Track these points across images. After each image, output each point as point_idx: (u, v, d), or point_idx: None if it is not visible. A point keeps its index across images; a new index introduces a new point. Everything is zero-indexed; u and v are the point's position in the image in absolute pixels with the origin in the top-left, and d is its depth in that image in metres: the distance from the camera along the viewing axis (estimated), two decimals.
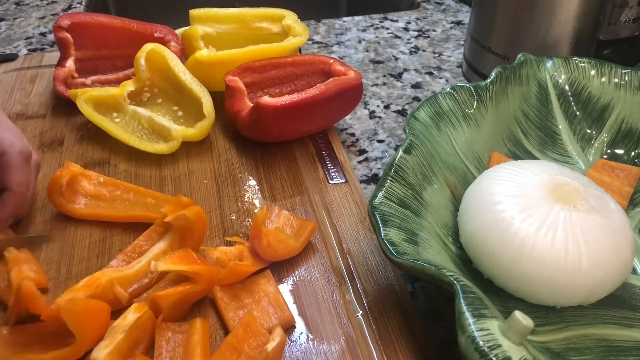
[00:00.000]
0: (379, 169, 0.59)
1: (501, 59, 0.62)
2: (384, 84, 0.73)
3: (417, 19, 0.90)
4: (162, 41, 0.64)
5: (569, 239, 0.39)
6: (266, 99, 0.53)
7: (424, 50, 0.81)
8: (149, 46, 0.59)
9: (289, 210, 0.51)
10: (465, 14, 0.92)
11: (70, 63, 0.62)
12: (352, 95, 0.59)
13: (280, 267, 0.46)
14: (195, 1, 1.17)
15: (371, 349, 0.40)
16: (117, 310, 0.41)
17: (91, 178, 0.50)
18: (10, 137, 0.45)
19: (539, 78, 0.55)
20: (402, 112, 0.68)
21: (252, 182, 0.54)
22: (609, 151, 0.53)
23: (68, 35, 0.62)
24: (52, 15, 0.90)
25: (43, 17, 0.89)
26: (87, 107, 0.57)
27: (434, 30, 0.87)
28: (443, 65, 0.77)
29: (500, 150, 0.52)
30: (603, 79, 0.54)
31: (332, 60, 0.60)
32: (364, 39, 0.84)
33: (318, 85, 0.56)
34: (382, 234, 0.38)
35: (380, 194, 0.41)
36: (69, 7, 0.92)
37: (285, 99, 0.53)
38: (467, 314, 0.32)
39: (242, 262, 0.44)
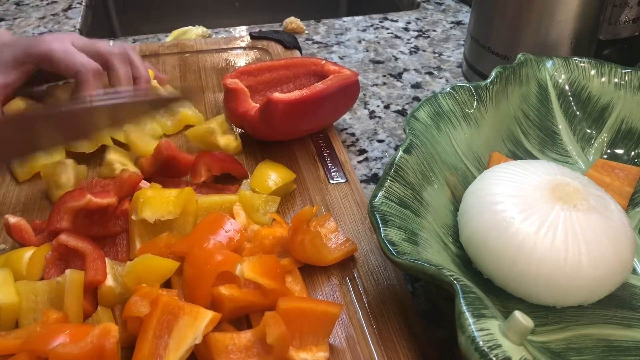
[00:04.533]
0: (379, 168, 0.59)
1: (501, 59, 0.62)
2: (384, 84, 0.73)
3: (417, 19, 0.91)
4: None
5: (569, 239, 0.39)
6: (278, 95, 0.53)
7: (424, 50, 0.81)
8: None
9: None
10: (465, 14, 0.92)
11: None
12: (352, 91, 0.60)
13: None
14: (194, 2, 1.17)
15: (372, 348, 0.40)
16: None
17: None
18: (83, 59, 0.55)
19: (539, 78, 0.55)
20: (402, 112, 0.68)
21: None
22: (609, 151, 0.53)
23: None
24: (52, 15, 0.90)
25: (43, 17, 0.89)
26: None
27: (434, 30, 0.87)
28: (443, 65, 0.77)
29: (500, 150, 0.52)
30: (603, 79, 0.54)
31: (323, 61, 0.61)
32: (364, 39, 0.84)
33: (323, 81, 0.56)
34: (382, 234, 0.38)
35: (380, 194, 0.41)
36: (69, 7, 0.92)
37: (296, 94, 0.54)
38: (467, 314, 0.32)
39: (269, 237, 0.44)
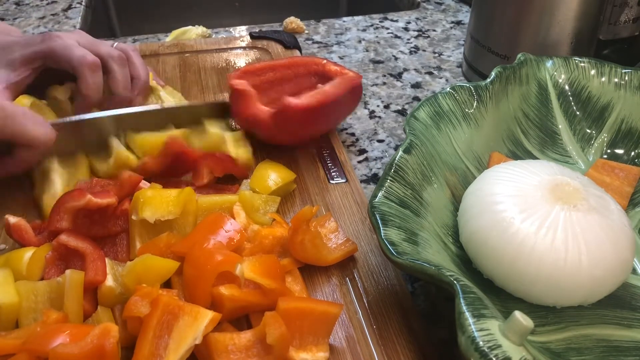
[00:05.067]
0: (379, 168, 0.59)
1: (501, 59, 0.62)
2: (384, 83, 0.73)
3: (417, 19, 0.91)
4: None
5: (568, 239, 0.39)
6: (294, 100, 0.52)
7: (424, 50, 0.81)
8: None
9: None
10: (465, 14, 0.92)
11: None
12: (357, 93, 0.60)
13: None
14: (194, 2, 1.17)
15: (372, 348, 0.40)
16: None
17: None
18: (80, 52, 0.56)
19: (539, 78, 0.55)
20: (402, 112, 0.68)
21: None
22: (609, 151, 0.53)
23: None
24: (52, 15, 0.90)
25: (43, 17, 0.89)
26: None
27: (434, 30, 0.87)
28: (443, 65, 0.77)
29: (500, 150, 0.52)
30: (603, 79, 0.54)
31: (324, 61, 0.61)
32: (364, 39, 0.84)
33: (331, 84, 0.56)
34: (382, 234, 0.38)
35: (380, 194, 0.41)
36: (69, 7, 0.92)
37: (311, 99, 0.53)
38: (467, 314, 0.32)
39: (269, 237, 0.45)
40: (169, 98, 0.63)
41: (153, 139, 0.54)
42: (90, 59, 0.56)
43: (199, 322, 0.36)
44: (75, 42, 0.57)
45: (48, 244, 0.43)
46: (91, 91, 0.57)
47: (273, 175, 0.51)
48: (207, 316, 0.37)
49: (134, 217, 0.44)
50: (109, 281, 0.40)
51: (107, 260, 0.42)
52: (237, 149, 0.55)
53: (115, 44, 0.61)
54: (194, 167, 0.52)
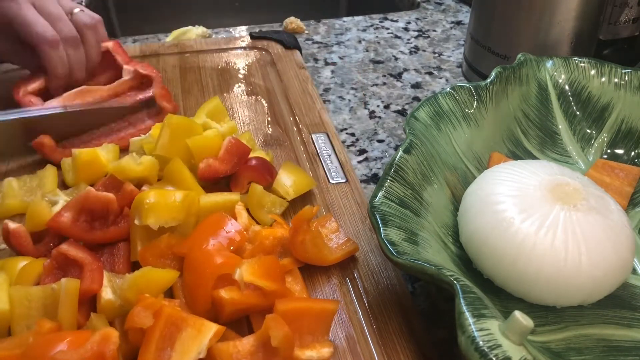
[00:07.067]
0: (379, 168, 0.59)
1: (501, 59, 0.62)
2: (384, 84, 0.73)
3: (417, 19, 0.91)
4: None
5: (569, 239, 0.39)
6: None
7: (424, 50, 0.81)
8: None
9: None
10: (465, 14, 0.92)
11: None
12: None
13: None
14: (194, 2, 1.17)
15: (372, 348, 0.40)
16: None
17: None
18: (39, 28, 0.55)
19: (539, 78, 0.55)
20: (402, 112, 0.68)
21: None
22: (609, 151, 0.53)
23: None
24: None
25: None
26: None
27: (434, 30, 0.87)
28: (443, 65, 0.77)
29: (500, 150, 0.52)
30: (603, 79, 0.54)
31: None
32: (364, 39, 0.84)
33: None
34: (382, 234, 0.38)
35: (380, 194, 0.41)
36: None
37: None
38: (467, 314, 0.32)
39: (269, 238, 0.44)
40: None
41: (211, 138, 0.52)
42: (51, 38, 0.55)
43: (202, 335, 0.36)
44: (32, 11, 0.55)
45: (44, 259, 0.42)
46: (57, 68, 0.56)
47: (297, 182, 0.51)
48: (211, 329, 0.36)
49: (136, 222, 0.43)
50: (108, 294, 0.39)
51: (105, 272, 0.41)
52: (256, 152, 0.55)
53: (77, 10, 0.59)
54: (235, 175, 0.51)
